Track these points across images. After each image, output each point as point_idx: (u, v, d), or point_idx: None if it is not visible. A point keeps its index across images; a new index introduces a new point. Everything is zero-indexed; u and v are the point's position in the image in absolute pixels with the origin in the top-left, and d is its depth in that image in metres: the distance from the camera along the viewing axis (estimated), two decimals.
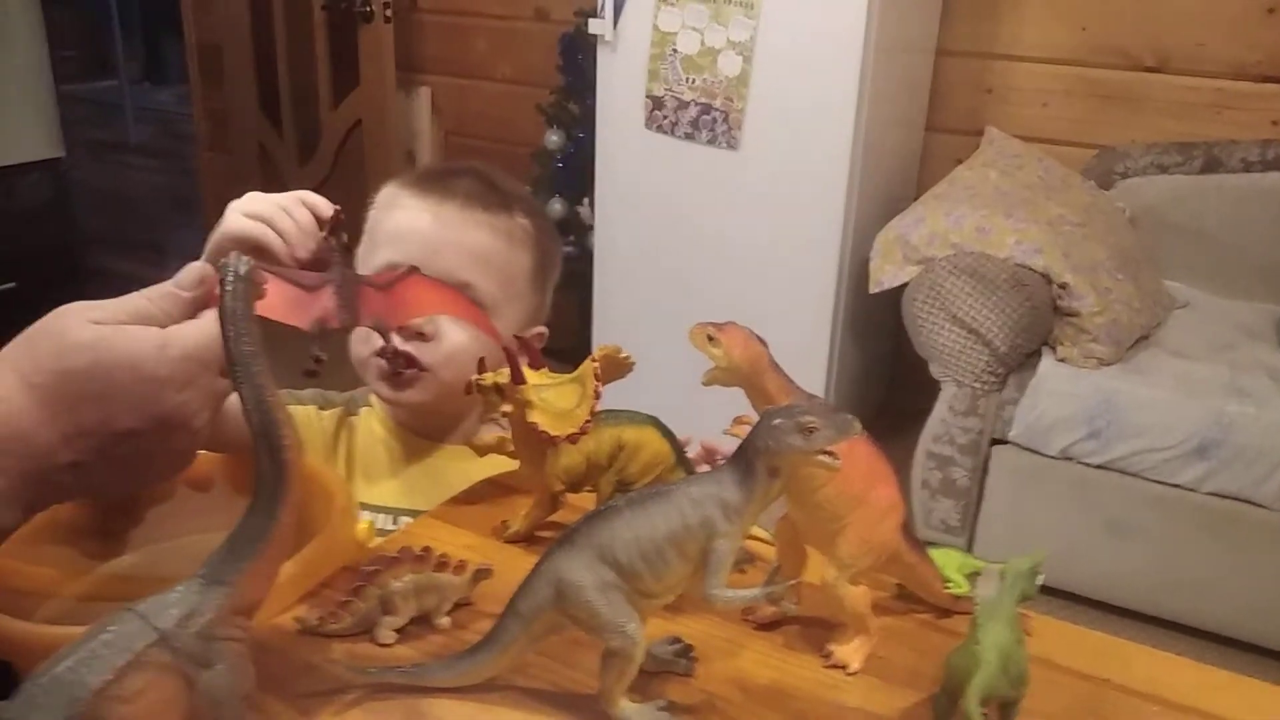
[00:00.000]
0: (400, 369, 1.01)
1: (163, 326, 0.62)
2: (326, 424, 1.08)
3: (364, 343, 1.02)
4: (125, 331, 0.60)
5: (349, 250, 0.79)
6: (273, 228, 0.81)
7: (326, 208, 0.83)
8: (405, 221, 1.02)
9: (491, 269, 1.02)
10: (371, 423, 1.09)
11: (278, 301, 0.68)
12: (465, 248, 1.00)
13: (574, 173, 3.07)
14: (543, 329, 1.11)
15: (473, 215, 1.01)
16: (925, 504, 2.37)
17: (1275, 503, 2.06)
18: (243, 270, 0.54)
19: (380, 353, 0.99)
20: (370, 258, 1.03)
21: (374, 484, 1.06)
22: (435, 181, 1.04)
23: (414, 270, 0.76)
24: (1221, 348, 2.31)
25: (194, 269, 0.65)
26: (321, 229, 0.81)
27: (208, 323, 0.61)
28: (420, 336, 1.01)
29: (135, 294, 0.64)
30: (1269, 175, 2.54)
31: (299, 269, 0.80)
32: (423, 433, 1.08)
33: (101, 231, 4.31)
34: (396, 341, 0.98)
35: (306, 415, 1.08)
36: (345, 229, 0.80)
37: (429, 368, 1.01)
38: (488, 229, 1.02)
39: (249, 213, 0.82)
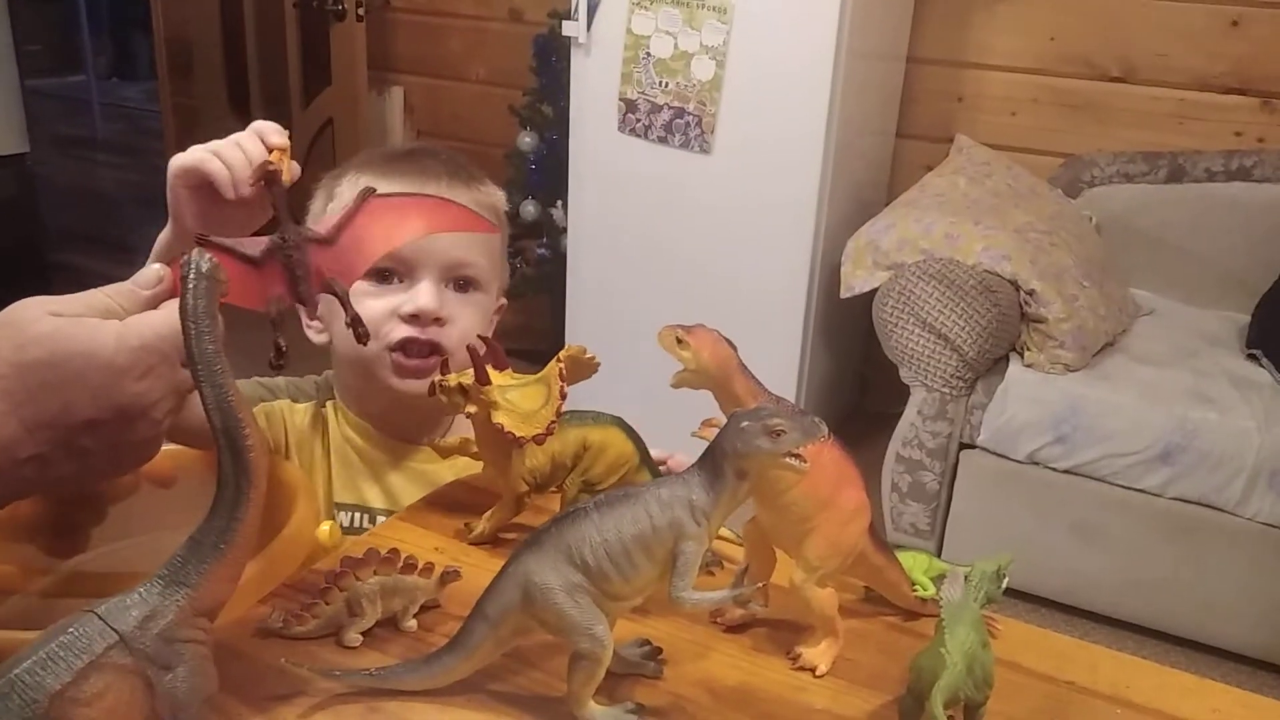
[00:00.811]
0: (423, 356, 0.99)
1: (121, 320, 0.62)
2: (300, 419, 1.06)
3: (378, 315, 0.98)
4: (83, 323, 0.60)
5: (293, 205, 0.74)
6: (219, 157, 0.79)
7: (278, 135, 0.81)
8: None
9: (480, 243, 1.01)
10: (341, 420, 1.07)
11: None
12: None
13: (547, 175, 3.06)
14: (503, 301, 1.12)
15: (457, 193, 0.99)
16: (895, 507, 2.39)
17: (1237, 507, 2.09)
18: (205, 267, 0.54)
19: (399, 346, 0.98)
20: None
21: (350, 482, 1.05)
22: (408, 163, 1.02)
23: (368, 195, 0.72)
24: (1185, 355, 2.34)
25: (153, 268, 0.65)
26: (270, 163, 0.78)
27: (167, 313, 0.61)
28: (437, 322, 0.99)
29: (95, 290, 0.64)
30: (1232, 185, 2.58)
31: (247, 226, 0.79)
32: (394, 433, 1.06)
33: (68, 228, 4.25)
34: (415, 331, 0.97)
35: (280, 410, 1.06)
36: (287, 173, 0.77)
37: (448, 353, 0.98)
38: (472, 205, 0.99)
39: (199, 146, 0.80)
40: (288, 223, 0.69)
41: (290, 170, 0.78)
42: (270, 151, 0.80)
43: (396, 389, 1.01)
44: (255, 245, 0.68)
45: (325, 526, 0.82)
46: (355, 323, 0.69)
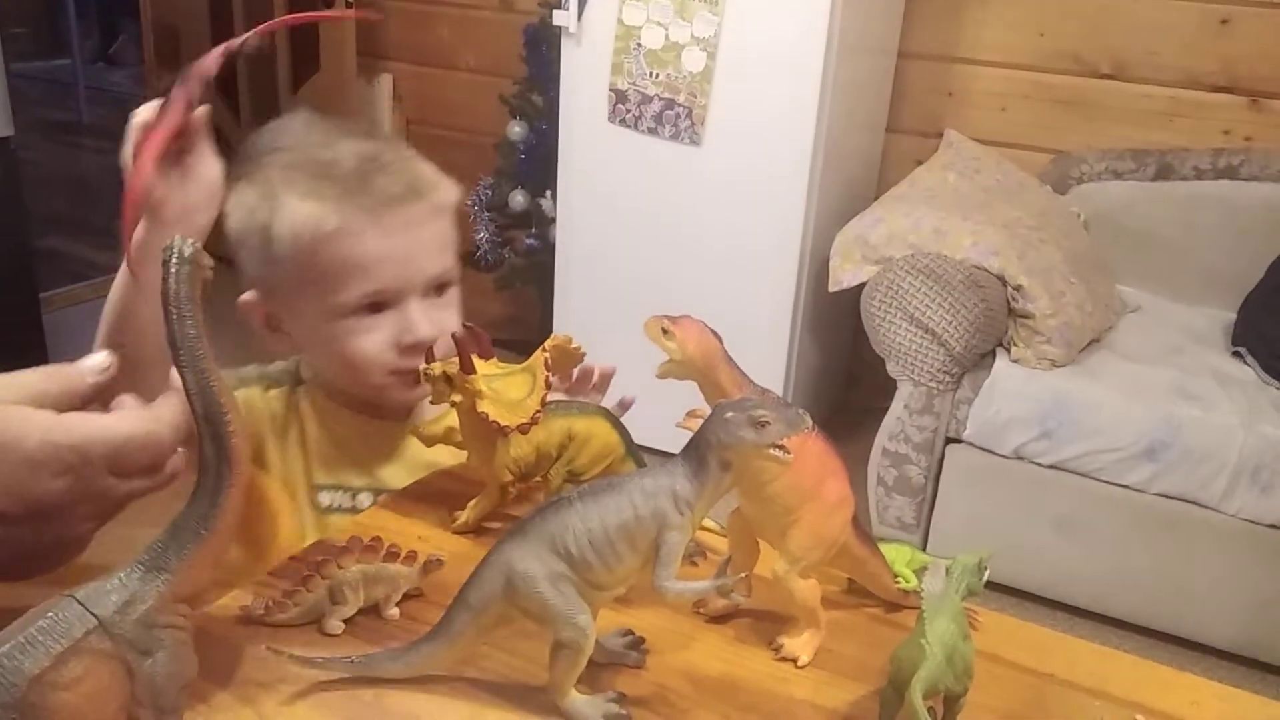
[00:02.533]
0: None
1: (59, 406, 0.61)
2: (274, 405, 1.05)
3: (379, 347, 0.97)
4: (11, 411, 0.59)
5: None
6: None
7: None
8: (368, 250, 0.95)
9: (449, 245, 1.02)
10: (317, 400, 1.05)
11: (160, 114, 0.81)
12: (429, 243, 0.98)
13: (537, 165, 3.05)
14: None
15: (415, 208, 0.97)
16: (881, 501, 2.40)
17: (1220, 504, 2.10)
18: (187, 252, 0.53)
19: (400, 370, 0.97)
20: (322, 294, 0.96)
21: (330, 464, 1.04)
22: (361, 186, 0.97)
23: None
24: (1171, 351, 2.35)
25: (100, 356, 0.65)
26: None
27: (107, 420, 0.60)
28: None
29: (31, 371, 0.63)
30: (1220, 183, 2.59)
31: None
32: (373, 414, 1.05)
33: (52, 213, 4.22)
34: (416, 361, 0.89)
35: (251, 398, 1.04)
36: None
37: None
38: (432, 214, 0.99)
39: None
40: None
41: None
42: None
43: (398, 399, 1.01)
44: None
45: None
46: None
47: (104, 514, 0.63)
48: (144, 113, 0.87)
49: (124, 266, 0.88)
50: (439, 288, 1.00)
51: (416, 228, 0.97)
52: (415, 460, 1.00)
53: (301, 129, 1.04)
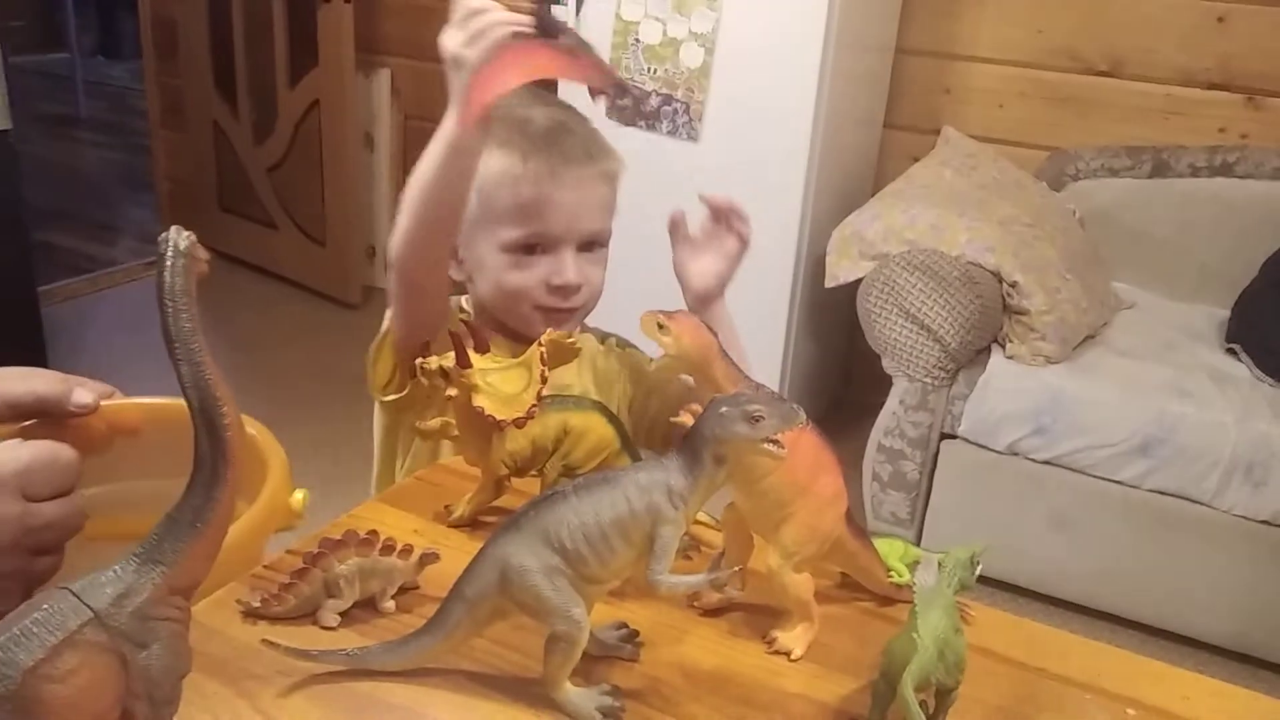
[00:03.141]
0: (566, 310, 1.10)
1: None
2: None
3: (532, 283, 1.08)
4: None
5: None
6: (500, 24, 0.88)
7: None
8: (537, 192, 1.07)
9: (607, 209, 1.14)
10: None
11: (551, 61, 0.81)
12: (593, 203, 1.11)
13: None
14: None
15: (588, 170, 1.10)
16: (876, 496, 2.40)
17: (1213, 500, 2.10)
18: (183, 245, 0.53)
19: (545, 307, 1.09)
20: (496, 228, 1.07)
21: None
22: (548, 144, 1.09)
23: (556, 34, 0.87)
24: (1165, 348, 2.36)
25: (91, 397, 0.69)
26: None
27: (5, 446, 0.62)
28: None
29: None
30: (1215, 181, 2.60)
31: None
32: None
33: (49, 206, 4.21)
34: (560, 300, 1.09)
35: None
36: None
37: (581, 306, 1.13)
38: (600, 179, 1.12)
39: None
40: (564, 30, 0.87)
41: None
42: None
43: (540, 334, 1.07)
44: (564, 44, 0.85)
45: (298, 495, 0.82)
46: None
47: (26, 546, 0.65)
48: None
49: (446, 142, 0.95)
50: (591, 244, 1.12)
51: (586, 187, 1.10)
52: (559, 389, 1.06)
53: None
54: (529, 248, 1.08)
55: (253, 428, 0.84)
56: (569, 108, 1.15)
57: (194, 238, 0.54)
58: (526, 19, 0.87)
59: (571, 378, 1.10)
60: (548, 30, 0.86)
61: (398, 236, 0.98)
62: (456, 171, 0.95)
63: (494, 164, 1.07)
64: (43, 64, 6.35)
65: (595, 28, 2.61)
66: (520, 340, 1.10)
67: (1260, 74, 2.61)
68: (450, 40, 0.91)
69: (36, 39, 6.51)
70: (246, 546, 0.76)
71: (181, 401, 0.55)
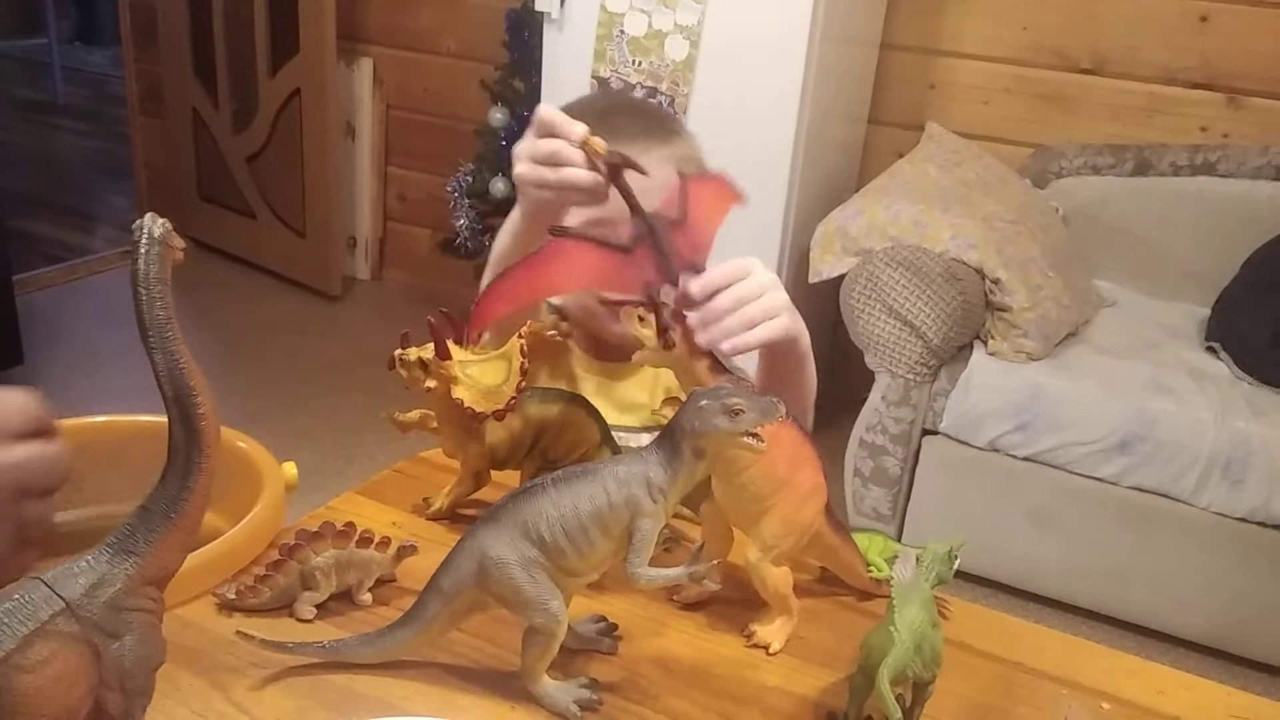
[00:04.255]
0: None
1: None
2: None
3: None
4: None
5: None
6: (560, 186, 0.82)
7: (577, 127, 0.82)
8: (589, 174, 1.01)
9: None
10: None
11: (598, 270, 0.69)
12: (654, 186, 1.01)
13: None
14: None
15: (652, 153, 1.01)
16: (857, 492, 2.41)
17: (1191, 497, 2.12)
18: (157, 232, 0.53)
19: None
20: (561, 215, 1.02)
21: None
22: (601, 124, 1.02)
23: (681, 175, 0.76)
24: (1146, 346, 2.37)
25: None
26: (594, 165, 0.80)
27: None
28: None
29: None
30: (1197, 179, 2.61)
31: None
32: (596, 352, 1.09)
33: (25, 193, 4.17)
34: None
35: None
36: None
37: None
38: (666, 161, 1.02)
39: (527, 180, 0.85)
40: (642, 209, 0.72)
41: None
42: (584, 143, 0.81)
43: (611, 324, 1.04)
44: (619, 235, 0.71)
45: (290, 468, 0.81)
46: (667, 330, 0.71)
47: (28, 541, 0.63)
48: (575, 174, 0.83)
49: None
50: None
51: (649, 166, 1.00)
52: (623, 400, 1.06)
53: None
54: None
55: (243, 441, 0.83)
56: (625, 93, 1.12)
57: (169, 225, 0.54)
58: (591, 179, 0.80)
59: (644, 396, 1.07)
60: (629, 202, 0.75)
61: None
62: (535, 240, 0.95)
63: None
64: (20, 49, 6.28)
65: (580, 19, 2.60)
66: (598, 353, 1.08)
67: (1242, 73, 2.62)
68: (522, 162, 0.86)
69: (14, 24, 6.44)
70: (238, 560, 0.75)
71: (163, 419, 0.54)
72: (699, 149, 1.11)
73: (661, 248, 0.70)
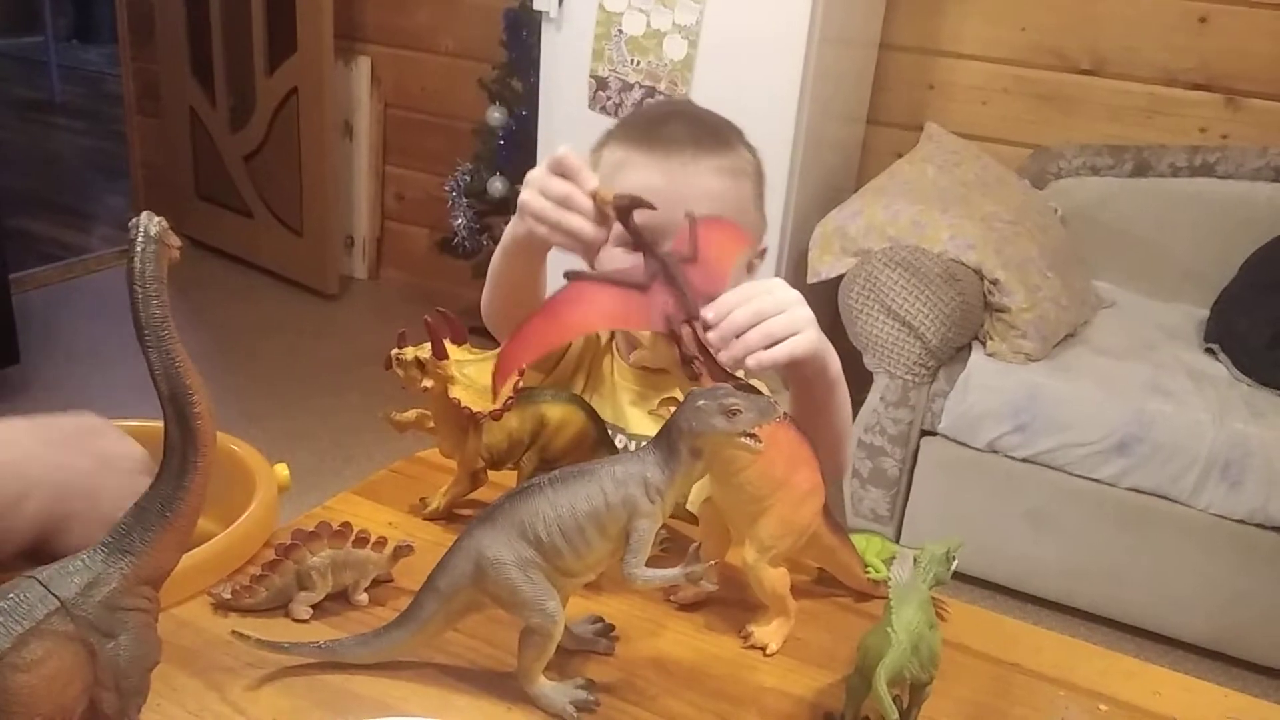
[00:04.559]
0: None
1: None
2: (574, 347, 1.10)
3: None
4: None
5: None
6: (561, 229, 0.83)
7: (589, 177, 0.82)
8: (638, 181, 0.99)
9: (726, 207, 1.01)
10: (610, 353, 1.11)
11: (617, 308, 0.70)
12: (700, 195, 0.98)
13: (516, 151, 3.03)
14: (765, 245, 1.16)
15: (701, 162, 1.02)
16: (856, 493, 2.41)
17: (1190, 499, 2.12)
18: (153, 231, 0.52)
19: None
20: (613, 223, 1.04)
21: (605, 405, 1.07)
22: (652, 132, 1.04)
23: (690, 216, 0.76)
24: (1145, 347, 2.37)
25: None
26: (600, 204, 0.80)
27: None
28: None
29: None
30: (1196, 180, 2.61)
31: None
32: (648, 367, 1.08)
33: (22, 192, 4.16)
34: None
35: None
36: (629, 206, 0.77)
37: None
38: (715, 172, 1.02)
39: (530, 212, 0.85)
40: (654, 248, 0.72)
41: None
42: (593, 195, 0.82)
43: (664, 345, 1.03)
44: (634, 273, 0.71)
45: (281, 469, 0.81)
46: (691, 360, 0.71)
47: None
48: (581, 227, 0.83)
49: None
50: None
51: (694, 177, 1.01)
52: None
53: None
54: (631, 245, 1.04)
55: (235, 445, 0.83)
56: (687, 102, 1.12)
57: (165, 223, 0.54)
58: (590, 235, 0.81)
59: None
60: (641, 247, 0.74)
61: (483, 298, 1.05)
62: (522, 261, 0.98)
63: (605, 155, 1.06)
64: (17, 48, 6.28)
65: (578, 18, 2.60)
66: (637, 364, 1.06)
67: (1241, 74, 2.62)
68: (531, 190, 0.86)
69: (10, 22, 6.44)
70: (233, 560, 0.75)
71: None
72: (757, 162, 1.10)
73: (677, 282, 0.71)
